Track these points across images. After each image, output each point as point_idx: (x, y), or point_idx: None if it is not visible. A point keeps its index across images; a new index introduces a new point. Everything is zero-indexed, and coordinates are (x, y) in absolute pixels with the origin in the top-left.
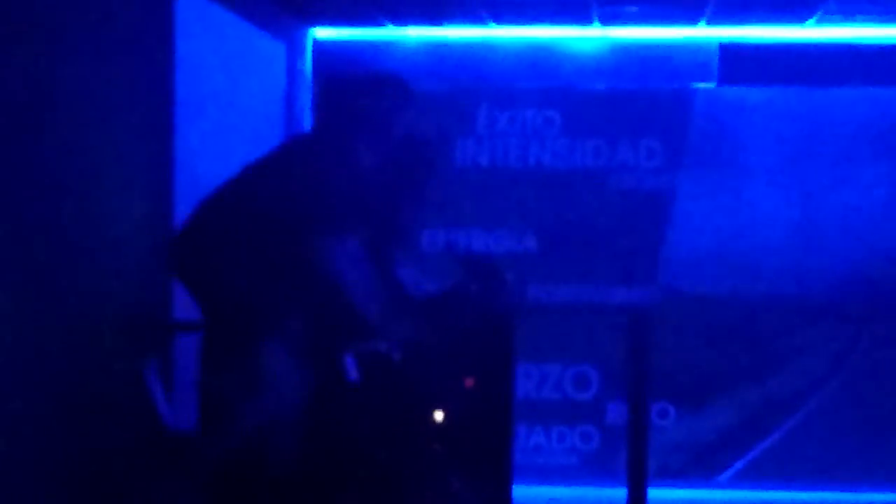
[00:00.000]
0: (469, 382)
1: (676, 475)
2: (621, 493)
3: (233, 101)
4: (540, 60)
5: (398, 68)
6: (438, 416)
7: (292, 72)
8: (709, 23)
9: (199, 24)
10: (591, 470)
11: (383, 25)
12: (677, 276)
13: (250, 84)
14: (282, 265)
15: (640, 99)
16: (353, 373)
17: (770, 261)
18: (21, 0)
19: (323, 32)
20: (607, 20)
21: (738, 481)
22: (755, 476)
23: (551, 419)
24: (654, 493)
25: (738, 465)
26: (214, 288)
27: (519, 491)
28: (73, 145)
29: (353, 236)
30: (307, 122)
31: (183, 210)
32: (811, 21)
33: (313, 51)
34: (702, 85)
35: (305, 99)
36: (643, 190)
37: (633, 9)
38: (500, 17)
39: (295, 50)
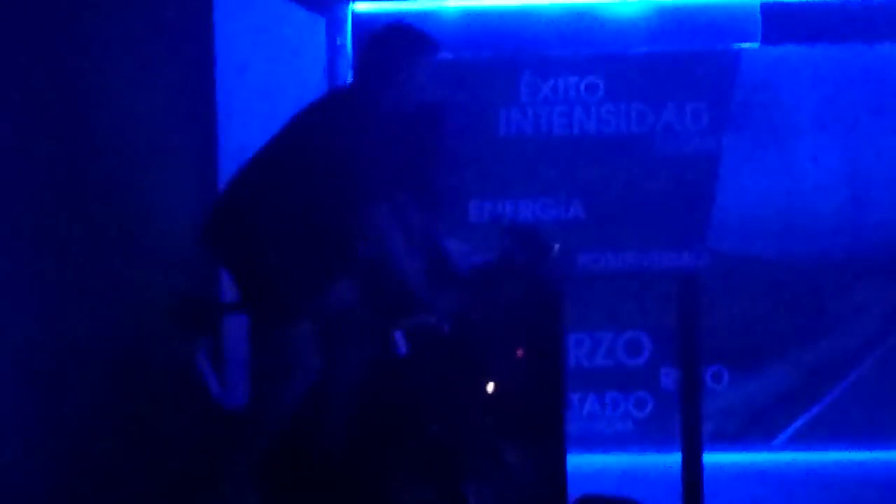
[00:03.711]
0: (519, 352)
1: (732, 438)
2: (677, 458)
3: (274, 79)
4: (581, 26)
5: (438, 37)
6: (490, 387)
7: (332, 46)
8: None
9: (237, 2)
10: (646, 436)
11: None
12: (726, 239)
13: (291, 61)
14: (320, 236)
15: (683, 62)
16: (403, 347)
17: (820, 220)
18: None
19: (362, 6)
20: None
21: (794, 443)
22: (811, 438)
23: (605, 386)
24: (709, 457)
25: (794, 427)
26: (254, 264)
27: (574, 459)
28: (118, 130)
29: (389, 203)
30: None
31: None
32: None
33: (353, 24)
34: (745, 45)
35: (347, 73)
36: (690, 153)
37: None
38: None
39: (334, 24)
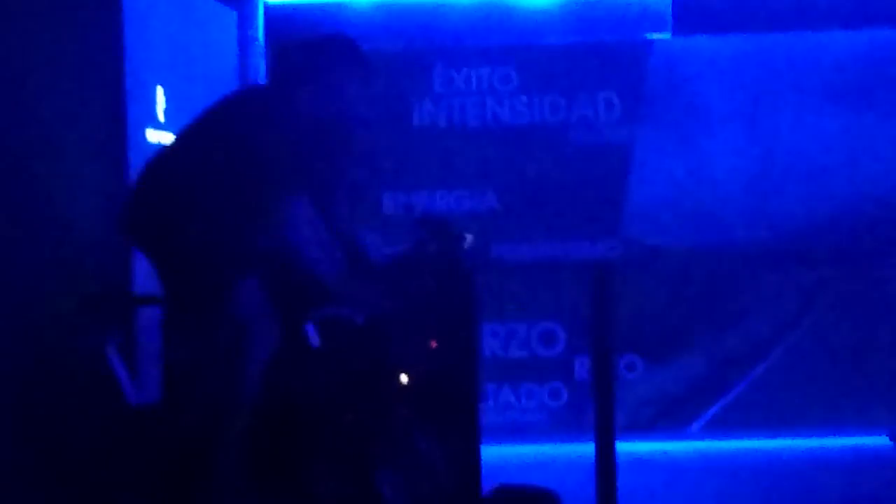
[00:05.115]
0: (433, 343)
1: (646, 427)
2: (591, 447)
3: (186, 72)
4: (493, 18)
5: (351, 30)
6: (403, 378)
7: (244, 39)
8: None
9: None
10: (561, 426)
11: None
12: (640, 229)
13: (203, 53)
14: (236, 225)
15: (595, 52)
16: (316, 339)
17: (732, 209)
18: None
19: None
20: None
21: (708, 431)
22: (725, 426)
23: (519, 377)
24: (624, 446)
25: (708, 415)
26: (171, 249)
27: (489, 450)
28: (25, 120)
29: (306, 196)
30: None
31: None
32: None
33: (265, 17)
34: (657, 35)
35: (259, 66)
36: (602, 143)
37: None
38: None
39: (246, 17)
